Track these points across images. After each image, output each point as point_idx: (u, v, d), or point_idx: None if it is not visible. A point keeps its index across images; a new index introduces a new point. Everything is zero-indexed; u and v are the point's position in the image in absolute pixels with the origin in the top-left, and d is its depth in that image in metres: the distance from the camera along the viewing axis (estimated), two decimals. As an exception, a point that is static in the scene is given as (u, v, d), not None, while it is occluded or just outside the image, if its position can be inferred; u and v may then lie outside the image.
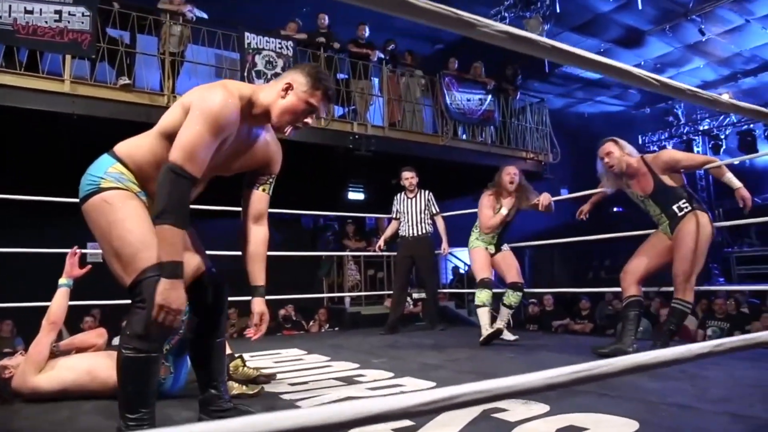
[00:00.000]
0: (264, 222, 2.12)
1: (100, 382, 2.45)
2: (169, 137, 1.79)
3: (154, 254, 1.71)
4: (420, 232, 5.24)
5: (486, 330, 4.08)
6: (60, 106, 5.56)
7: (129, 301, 1.73)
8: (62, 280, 2.71)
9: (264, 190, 2.11)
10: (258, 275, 2.09)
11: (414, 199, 5.32)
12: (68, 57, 5.65)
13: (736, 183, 3.29)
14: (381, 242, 5.46)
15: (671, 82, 0.89)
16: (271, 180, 2.13)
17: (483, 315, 4.17)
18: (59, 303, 2.65)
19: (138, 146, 1.87)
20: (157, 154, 1.82)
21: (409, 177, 5.33)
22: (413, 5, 0.62)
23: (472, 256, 4.41)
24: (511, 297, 4.26)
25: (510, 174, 4.23)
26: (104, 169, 1.82)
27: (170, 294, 1.64)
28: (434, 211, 5.35)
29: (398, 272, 5.46)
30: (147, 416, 1.70)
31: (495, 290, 4.29)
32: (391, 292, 7.14)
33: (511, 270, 4.31)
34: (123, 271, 1.73)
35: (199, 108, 1.76)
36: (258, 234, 2.10)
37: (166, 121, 1.85)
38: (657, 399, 2.19)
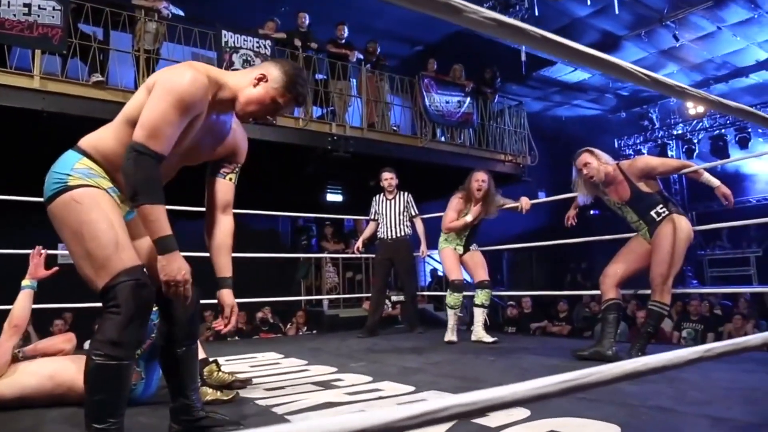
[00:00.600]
0: (230, 212, 2.05)
1: (65, 387, 2.36)
2: (134, 123, 1.70)
3: (128, 255, 1.65)
4: (399, 234, 5.19)
5: (450, 333, 4.39)
6: (29, 103, 5.40)
7: (99, 305, 1.66)
8: (26, 282, 2.61)
9: (230, 179, 2.03)
10: (225, 267, 2.01)
11: (393, 201, 5.27)
12: (38, 52, 5.49)
13: (715, 182, 3.34)
14: (359, 244, 5.38)
15: (661, 78, 0.86)
16: (237, 169, 2.05)
17: (450, 317, 4.47)
18: (22, 305, 2.54)
19: (103, 137, 1.79)
20: (123, 141, 1.72)
21: (388, 178, 5.28)
22: (396, -12, 0.57)
23: (442, 256, 4.60)
24: (481, 296, 4.44)
25: (478, 180, 4.34)
26: (71, 165, 1.73)
27: (171, 268, 1.64)
28: (413, 213, 5.30)
29: (377, 274, 5.40)
30: (115, 426, 1.62)
31: (467, 293, 4.45)
32: (370, 294, 7.10)
33: (478, 269, 4.49)
34: (95, 274, 1.64)
35: (163, 86, 1.69)
36: (225, 224, 2.02)
37: (130, 106, 1.77)
38: (637, 402, 2.18)
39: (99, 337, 1.62)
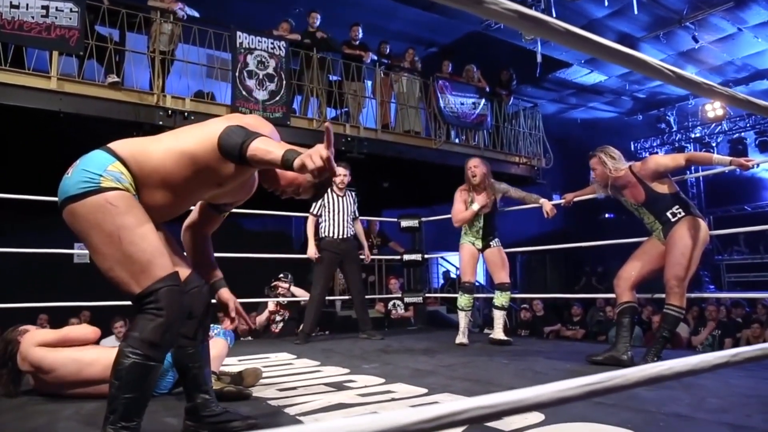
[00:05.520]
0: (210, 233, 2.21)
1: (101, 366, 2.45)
2: (193, 161, 1.75)
3: (167, 261, 1.70)
4: (348, 234, 4.91)
5: (461, 336, 4.37)
6: (46, 104, 5.44)
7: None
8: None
9: (225, 214, 2.19)
10: (215, 272, 2.15)
11: (344, 198, 4.92)
12: (55, 53, 5.54)
13: (726, 159, 3.39)
14: (314, 250, 4.84)
15: (687, 74, 0.83)
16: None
17: (461, 319, 4.45)
18: (84, 332, 2.72)
19: (146, 152, 1.76)
20: (168, 168, 1.75)
21: (342, 174, 4.82)
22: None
23: (460, 253, 4.53)
24: (501, 297, 4.41)
25: (471, 168, 4.29)
26: (104, 166, 1.67)
27: (310, 160, 1.51)
28: (356, 215, 5.05)
29: (324, 275, 4.94)
30: (138, 425, 1.65)
31: (480, 295, 4.42)
32: (383, 296, 7.06)
33: (499, 270, 4.43)
34: (132, 278, 1.64)
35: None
36: (207, 243, 2.17)
37: (189, 138, 1.79)
38: (654, 408, 2.14)
39: (137, 336, 1.61)
